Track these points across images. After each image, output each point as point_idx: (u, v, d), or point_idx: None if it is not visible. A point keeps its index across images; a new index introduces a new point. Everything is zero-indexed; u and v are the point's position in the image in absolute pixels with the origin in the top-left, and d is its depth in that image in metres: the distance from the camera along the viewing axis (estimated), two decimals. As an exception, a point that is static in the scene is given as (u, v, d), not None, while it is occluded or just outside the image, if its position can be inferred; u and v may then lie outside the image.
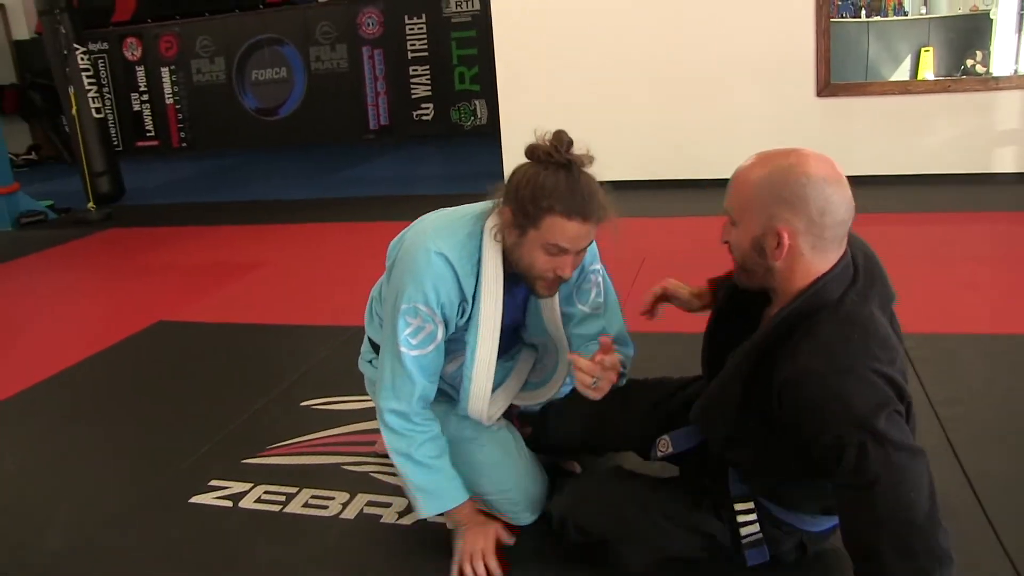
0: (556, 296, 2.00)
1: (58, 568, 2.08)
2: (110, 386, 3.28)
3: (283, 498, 2.30)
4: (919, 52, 9.33)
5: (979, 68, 9.36)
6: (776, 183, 1.45)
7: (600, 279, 2.08)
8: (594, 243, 1.99)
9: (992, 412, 2.55)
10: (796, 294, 1.48)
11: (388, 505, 2.23)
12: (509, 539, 1.96)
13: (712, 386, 1.62)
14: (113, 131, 10.43)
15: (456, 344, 2.00)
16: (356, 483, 2.35)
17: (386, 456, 2.36)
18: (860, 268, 1.51)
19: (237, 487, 2.37)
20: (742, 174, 1.51)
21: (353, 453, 2.52)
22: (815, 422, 1.40)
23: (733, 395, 1.56)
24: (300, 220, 6.11)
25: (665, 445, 1.85)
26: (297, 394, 2.97)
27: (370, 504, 2.24)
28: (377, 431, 2.58)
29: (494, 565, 1.89)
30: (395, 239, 2.09)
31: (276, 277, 4.67)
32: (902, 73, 9.22)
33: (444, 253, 1.86)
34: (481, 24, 9.27)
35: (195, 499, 2.32)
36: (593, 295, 2.06)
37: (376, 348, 2.19)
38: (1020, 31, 9.50)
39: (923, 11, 9.45)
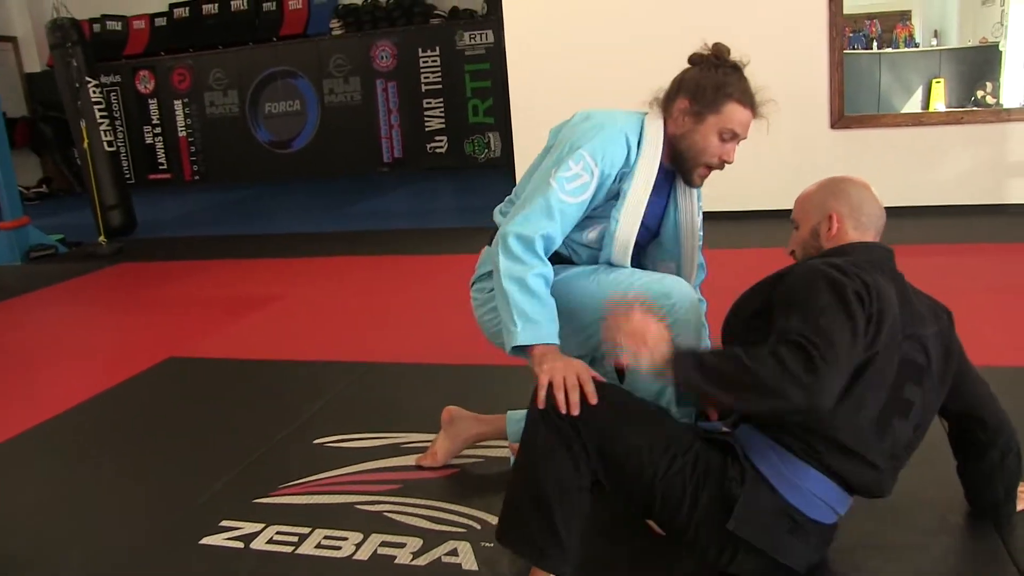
0: (696, 207, 2.24)
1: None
2: (120, 424, 3.24)
3: (295, 539, 2.25)
4: (930, 84, 9.36)
5: (989, 99, 9.38)
6: (824, 187, 1.93)
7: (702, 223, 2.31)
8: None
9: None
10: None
11: (402, 545, 2.18)
12: (598, 376, 1.81)
13: (738, 300, 1.86)
14: (125, 164, 10.50)
15: (599, 219, 2.13)
16: (370, 523, 2.30)
17: (402, 495, 2.34)
18: (899, 276, 1.83)
19: (248, 527, 2.32)
20: (803, 192, 1.98)
21: (367, 492, 2.48)
22: (795, 284, 1.71)
23: (751, 304, 1.81)
24: (314, 254, 6.10)
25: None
26: (310, 431, 2.94)
27: (384, 544, 2.19)
28: (394, 470, 2.59)
29: (591, 389, 1.73)
30: (555, 126, 2.23)
31: (290, 312, 4.65)
32: (914, 104, 9.25)
33: (622, 126, 2.07)
34: (495, 57, 9.32)
35: (206, 540, 2.27)
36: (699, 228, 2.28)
37: None
38: (1031, 64, 9.53)
39: (934, 43, 9.50)
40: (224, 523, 2.35)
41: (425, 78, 9.95)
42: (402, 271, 5.46)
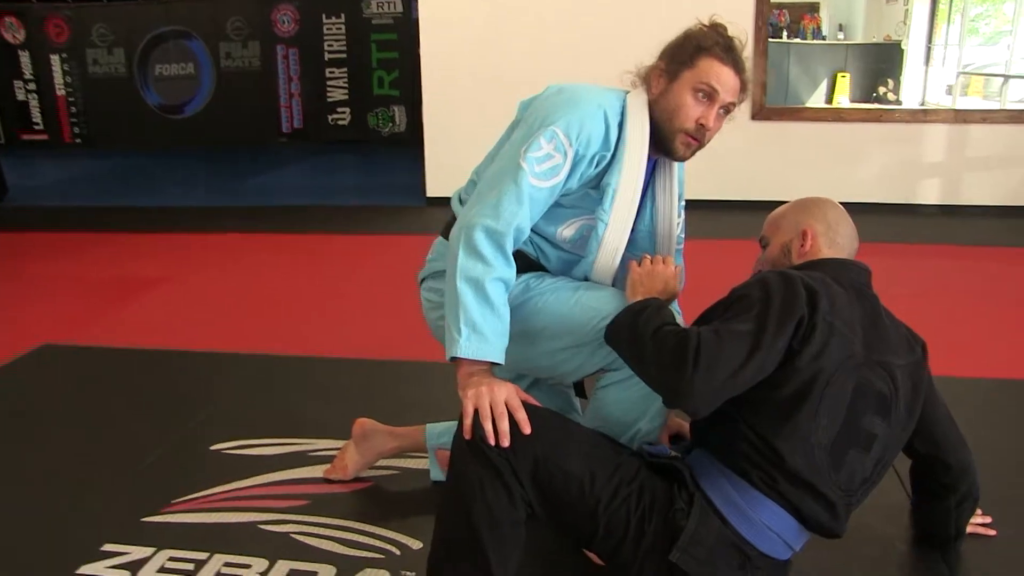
0: (675, 199, 2.03)
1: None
2: (-15, 421, 2.86)
3: (191, 566, 1.98)
4: (835, 76, 9.53)
5: (890, 96, 9.61)
6: (799, 205, 1.87)
7: (684, 217, 2.13)
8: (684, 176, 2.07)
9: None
10: None
11: (313, 574, 1.94)
12: (532, 400, 1.65)
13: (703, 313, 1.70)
14: (-6, 121, 9.70)
15: (582, 206, 1.90)
16: (276, 547, 2.05)
17: (310, 512, 2.08)
18: (870, 297, 1.72)
19: (136, 552, 2.04)
20: (775, 212, 1.90)
21: (272, 509, 2.22)
22: (736, 289, 1.65)
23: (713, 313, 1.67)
24: (209, 230, 5.69)
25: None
26: (206, 435, 2.64)
27: (293, 573, 1.95)
28: (300, 482, 2.33)
29: (522, 416, 1.56)
30: (525, 99, 1.99)
31: (182, 295, 4.28)
32: (819, 97, 9.39)
33: (599, 100, 1.86)
34: (403, 26, 9.00)
35: (85, 569, 1.98)
36: (679, 230, 2.10)
37: None
38: (928, 63, 9.81)
39: (840, 36, 9.66)
40: (107, 547, 2.06)
41: (329, 46, 9.54)
42: (303, 251, 5.15)
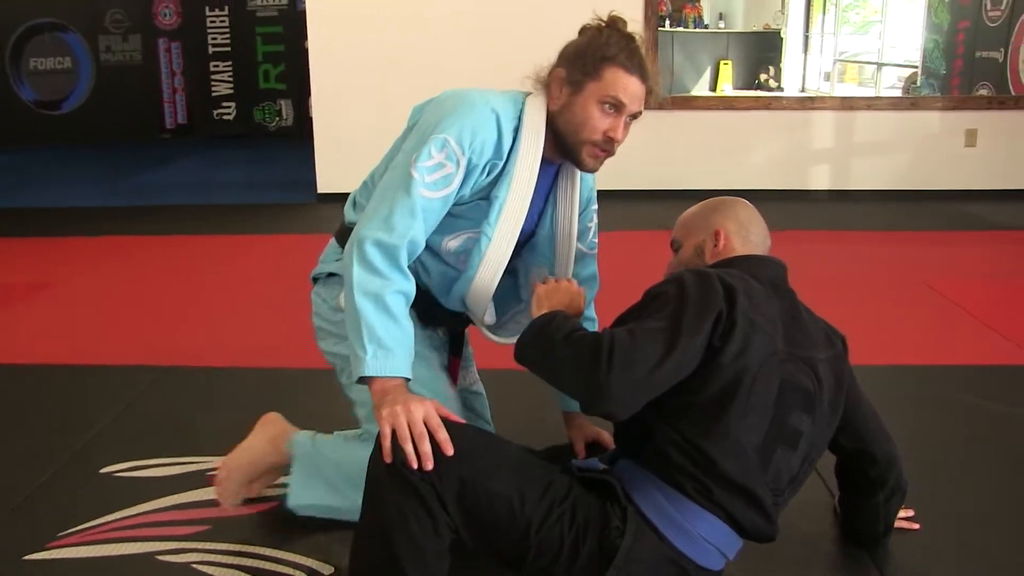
0: (575, 211, 1.98)
1: None
2: None
3: (82, 609, 1.85)
4: (718, 65, 9.75)
5: (772, 83, 9.89)
6: (708, 205, 1.83)
7: (596, 224, 2.13)
8: (595, 181, 2.04)
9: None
10: None
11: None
12: (455, 417, 1.57)
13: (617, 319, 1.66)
14: None
15: (468, 218, 1.86)
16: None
17: (212, 539, 1.99)
18: (787, 293, 1.70)
19: (18, 596, 1.89)
20: (684, 215, 1.86)
21: (170, 537, 2.09)
22: (651, 288, 1.60)
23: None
24: (91, 232, 5.42)
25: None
26: (95, 457, 2.48)
27: (196, 609, 1.84)
28: (200, 505, 2.21)
29: (444, 436, 1.48)
30: (419, 103, 1.92)
31: (61, 303, 4.05)
32: (703, 85, 9.59)
33: (492, 104, 1.79)
34: (289, 19, 8.84)
35: (-40, 619, 1.83)
36: (591, 236, 2.11)
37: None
38: (806, 50, 10.14)
39: (721, 25, 9.89)
40: (-15, 592, 1.90)
41: (213, 39, 9.30)
42: (191, 253, 4.96)
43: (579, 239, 2.05)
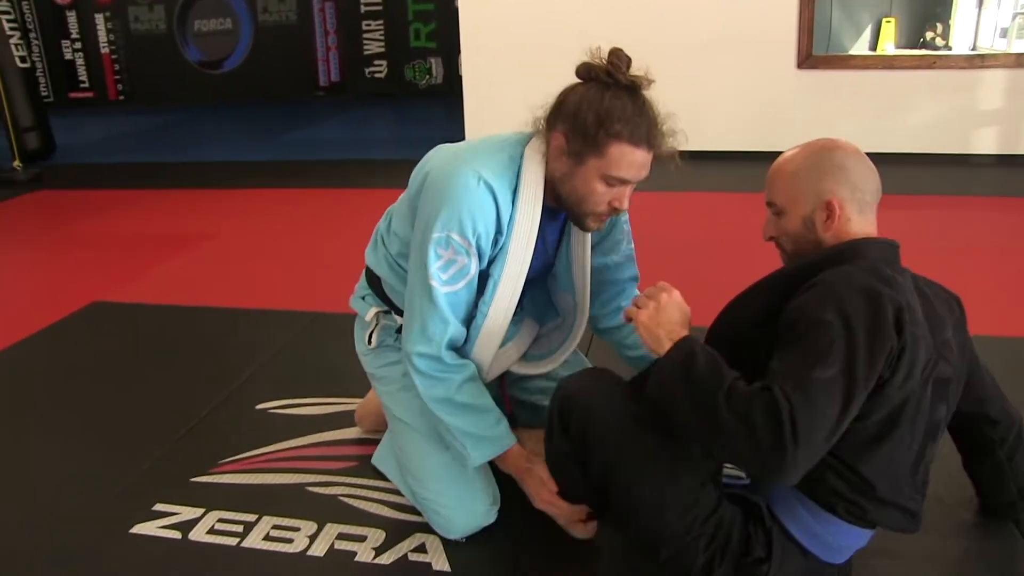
0: (588, 242, 1.91)
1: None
2: (33, 384, 2.89)
3: (240, 528, 1.99)
4: (880, 22, 9.23)
5: (939, 41, 9.30)
6: (814, 162, 1.56)
7: (628, 228, 2.03)
8: None
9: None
10: (839, 243, 1.53)
11: (362, 538, 1.94)
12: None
13: (733, 302, 1.58)
14: (42, 81, 9.76)
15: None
16: (324, 510, 2.05)
17: (358, 475, 2.14)
18: (909, 272, 1.56)
19: (186, 513, 2.05)
20: (781, 167, 1.59)
21: (319, 471, 2.23)
22: (811, 306, 1.39)
23: (751, 308, 1.55)
24: (250, 185, 5.71)
25: None
26: (252, 395, 2.66)
27: (342, 537, 1.95)
28: (347, 443, 2.34)
29: (581, 517, 1.77)
30: (418, 166, 1.89)
31: (223, 251, 4.30)
32: (863, 44, 9.12)
33: (485, 177, 1.70)
34: (440, -22, 8.89)
35: (137, 528, 2.00)
36: (624, 244, 2.02)
37: (373, 283, 2.03)
38: (981, 6, 9.46)
39: (885, -21, 9.34)
40: (158, 507, 2.08)
41: (365, -1, 9.46)
42: (343, 206, 5.13)
43: (612, 252, 2.00)
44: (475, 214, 1.69)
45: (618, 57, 1.63)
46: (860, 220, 1.54)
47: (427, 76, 9.52)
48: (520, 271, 1.79)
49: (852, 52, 8.40)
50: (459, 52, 6.14)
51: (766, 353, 1.40)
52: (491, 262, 1.79)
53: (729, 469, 1.83)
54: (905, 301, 1.40)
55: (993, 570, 1.81)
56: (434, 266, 1.71)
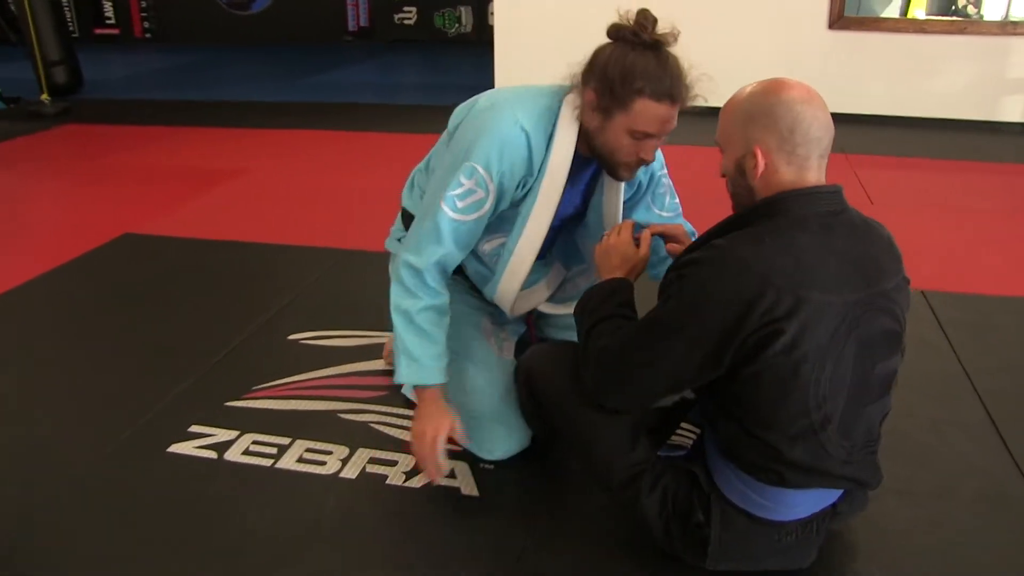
0: (620, 195, 1.98)
1: (23, 535, 1.80)
2: (69, 310, 2.96)
3: (274, 450, 2.06)
4: (911, -13, 9.13)
5: (971, 9, 9.18)
6: (746, 105, 1.48)
7: (670, 183, 2.11)
8: (660, 151, 1.96)
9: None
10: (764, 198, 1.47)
11: (393, 463, 2.01)
12: (461, 438, 1.89)
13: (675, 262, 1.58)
14: (68, 15, 9.75)
15: (502, 223, 1.93)
16: (355, 435, 2.12)
17: (388, 403, 2.24)
18: (851, 214, 1.48)
19: (222, 435, 2.12)
20: (727, 103, 1.54)
21: (350, 399, 2.29)
22: (680, 268, 1.46)
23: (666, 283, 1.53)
24: (278, 125, 5.74)
25: None
26: (283, 326, 2.72)
27: (373, 461, 2.02)
28: (377, 374, 2.40)
29: (441, 464, 1.82)
30: (461, 105, 1.98)
31: (255, 188, 4.35)
32: (893, 8, 9.02)
33: (522, 122, 1.79)
34: (471, -75, 8.81)
35: (174, 448, 2.07)
36: (668, 199, 2.10)
37: (409, 224, 2.06)
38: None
39: (917, -59, 9.20)
40: (194, 428, 2.15)
41: (396, -57, 9.39)
42: (369, 148, 5.17)
43: (656, 207, 2.09)
44: (504, 153, 1.78)
45: (644, 17, 1.69)
46: (791, 171, 1.43)
47: (456, 24, 9.49)
48: (548, 213, 1.88)
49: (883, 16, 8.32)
50: (490, 1, 6.10)
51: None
52: (521, 202, 1.88)
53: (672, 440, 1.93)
54: (781, 264, 1.35)
55: (999, 507, 1.87)
56: (453, 191, 1.79)
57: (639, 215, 2.07)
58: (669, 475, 1.61)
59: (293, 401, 2.29)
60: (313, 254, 3.35)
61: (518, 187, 1.84)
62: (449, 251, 1.83)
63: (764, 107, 1.44)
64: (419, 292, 1.83)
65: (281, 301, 2.90)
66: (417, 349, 1.83)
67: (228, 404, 2.26)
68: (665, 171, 2.09)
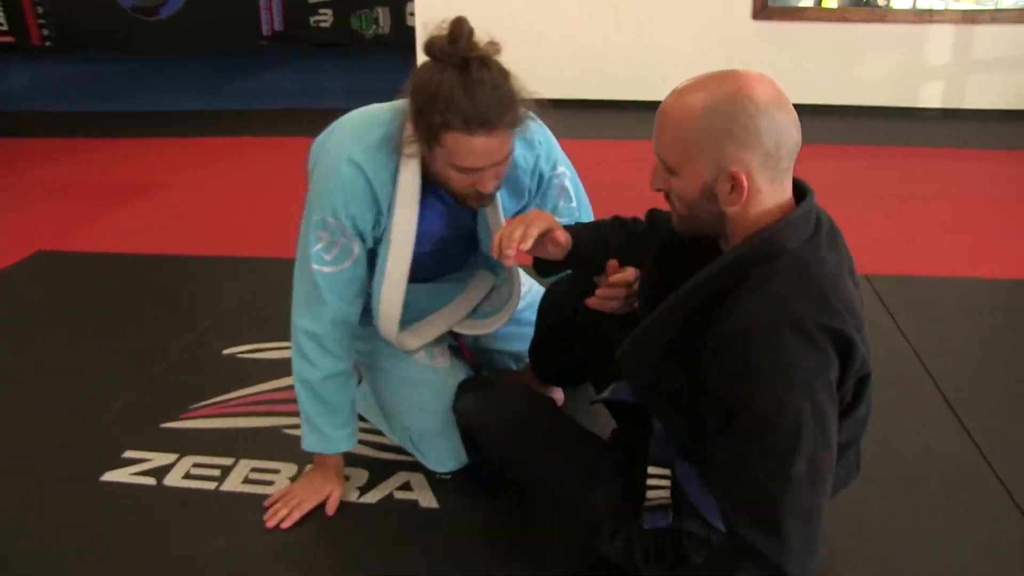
0: (499, 208, 1.76)
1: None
2: (-15, 330, 2.76)
3: (217, 472, 1.94)
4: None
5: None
6: (721, 118, 1.19)
7: (567, 183, 1.88)
8: (553, 144, 1.82)
9: (983, 364, 2.44)
10: (751, 235, 1.23)
11: (345, 479, 1.90)
12: (331, 510, 1.81)
13: (642, 326, 1.34)
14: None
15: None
16: (302, 451, 1.96)
17: None
18: (824, 223, 1.28)
19: (159, 459, 1.99)
20: (674, 112, 1.23)
21: (293, 413, 2.11)
22: (754, 378, 1.15)
23: (662, 339, 1.31)
24: (196, 134, 5.52)
25: (606, 391, 1.64)
26: (216, 341, 2.58)
27: (323, 478, 1.90)
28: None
29: (294, 517, 1.77)
30: (316, 141, 1.83)
31: (176, 200, 4.16)
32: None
33: (356, 160, 1.63)
34: (386, -75, 8.69)
35: (108, 476, 1.93)
36: (561, 204, 1.87)
37: None
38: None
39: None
40: (128, 453, 2.01)
41: (309, -55, 9.21)
42: (295, 153, 4.96)
43: (552, 213, 1.81)
44: (348, 197, 1.65)
45: (457, 28, 1.46)
46: (772, 189, 1.22)
47: (373, 26, 9.34)
48: (405, 253, 1.72)
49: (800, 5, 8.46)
50: (406, 1, 6.00)
51: (692, 383, 1.26)
52: (378, 242, 1.74)
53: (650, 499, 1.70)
54: (845, 314, 1.18)
55: (968, 491, 1.86)
56: (315, 248, 1.68)
57: None
58: (635, 526, 1.48)
59: (233, 419, 2.16)
60: (242, 264, 3.21)
61: (373, 227, 1.71)
62: (337, 305, 1.73)
63: (741, 121, 1.17)
64: (319, 361, 1.75)
65: (212, 315, 2.76)
66: (321, 420, 1.78)
67: (164, 426, 2.13)
68: (563, 170, 1.86)
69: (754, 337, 1.15)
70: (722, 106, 1.18)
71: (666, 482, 1.48)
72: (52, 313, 2.85)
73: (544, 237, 1.55)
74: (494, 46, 1.49)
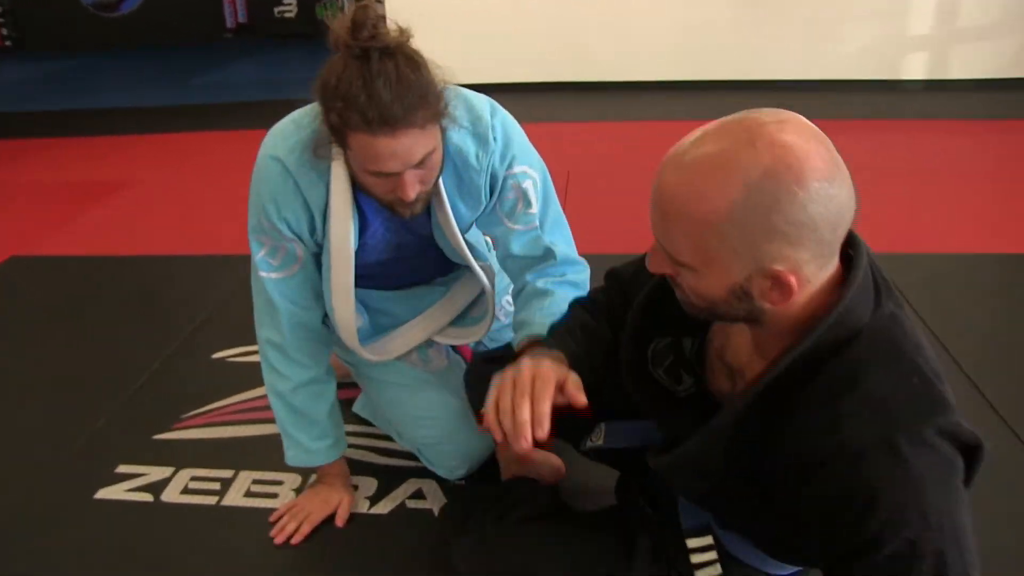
0: (448, 214, 1.59)
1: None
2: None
3: (217, 485, 1.85)
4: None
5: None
6: (756, 212, 0.91)
7: (529, 184, 1.63)
8: (514, 140, 1.60)
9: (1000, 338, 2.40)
10: (808, 324, 1.00)
11: (353, 488, 1.81)
12: (341, 522, 1.72)
13: (690, 444, 1.10)
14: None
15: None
16: (305, 461, 1.91)
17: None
18: (876, 269, 1.05)
19: (155, 473, 1.89)
20: (687, 206, 0.94)
21: (293, 420, 2.07)
22: (876, 513, 0.92)
23: (719, 457, 1.08)
24: (166, 130, 5.35)
25: (597, 435, 1.35)
26: (205, 344, 2.47)
27: (331, 488, 1.81)
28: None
29: (304, 531, 1.69)
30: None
31: (150, 198, 4.01)
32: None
33: (281, 159, 1.51)
34: (349, -89, 8.49)
35: (102, 493, 1.83)
36: (520, 207, 1.64)
37: None
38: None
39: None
40: (122, 468, 1.91)
41: (271, -67, 9.00)
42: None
43: (503, 217, 1.66)
44: (276, 198, 1.54)
45: (360, 15, 1.31)
46: (824, 274, 0.99)
47: (339, 14, 9.16)
48: (347, 262, 1.60)
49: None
50: (374, -11, 5.85)
51: (760, 506, 1.08)
52: (321, 248, 1.63)
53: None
54: (951, 407, 0.98)
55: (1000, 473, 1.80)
56: (259, 255, 1.60)
57: (495, 230, 1.69)
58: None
59: (230, 427, 2.06)
60: (224, 263, 3.08)
61: (311, 232, 1.58)
62: (291, 311, 1.64)
63: (787, 213, 0.90)
64: (287, 371, 1.67)
65: (198, 317, 2.65)
66: (298, 432, 1.71)
67: (157, 437, 2.02)
68: (523, 169, 1.62)
69: (864, 461, 0.93)
70: (758, 196, 0.90)
71: (712, 554, 1.30)
72: (28, 322, 2.73)
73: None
74: (403, 31, 1.34)
